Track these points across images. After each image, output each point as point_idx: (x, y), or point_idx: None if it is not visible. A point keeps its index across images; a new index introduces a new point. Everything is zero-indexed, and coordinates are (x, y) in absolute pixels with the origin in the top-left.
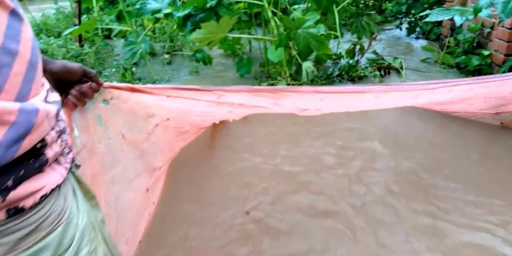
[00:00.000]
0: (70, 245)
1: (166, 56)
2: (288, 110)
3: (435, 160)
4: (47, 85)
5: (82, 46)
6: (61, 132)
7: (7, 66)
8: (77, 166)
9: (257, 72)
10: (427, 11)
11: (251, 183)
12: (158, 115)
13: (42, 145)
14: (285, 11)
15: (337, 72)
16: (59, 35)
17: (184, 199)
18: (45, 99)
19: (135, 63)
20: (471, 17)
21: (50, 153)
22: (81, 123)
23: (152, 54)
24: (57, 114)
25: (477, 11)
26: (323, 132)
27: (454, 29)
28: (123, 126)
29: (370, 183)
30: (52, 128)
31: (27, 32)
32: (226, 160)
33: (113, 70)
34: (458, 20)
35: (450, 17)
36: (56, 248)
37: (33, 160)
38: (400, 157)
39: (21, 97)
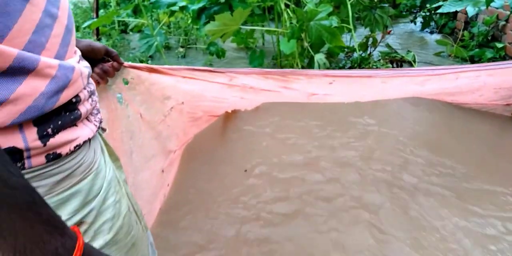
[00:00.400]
0: (99, 193)
1: (181, 49)
2: (297, 94)
3: (443, 147)
4: (78, 52)
5: (99, 39)
6: (91, 93)
7: (49, 27)
8: (103, 130)
9: (269, 64)
10: (441, 2)
11: (263, 170)
12: (173, 97)
13: (76, 100)
14: (298, 4)
15: (349, 65)
16: (77, 28)
17: (197, 183)
18: (78, 63)
19: (150, 56)
20: (483, 7)
21: (83, 109)
22: (103, 100)
23: (167, 47)
24: (88, 76)
25: (489, 1)
26: (335, 122)
27: (469, 22)
28: (141, 106)
29: (375, 163)
30: (84, 88)
31: (65, 1)
32: (239, 148)
33: (130, 62)
34: (470, 11)
35: (463, 7)
36: (87, 194)
37: (69, 113)
38: (410, 144)
39: (59, 57)
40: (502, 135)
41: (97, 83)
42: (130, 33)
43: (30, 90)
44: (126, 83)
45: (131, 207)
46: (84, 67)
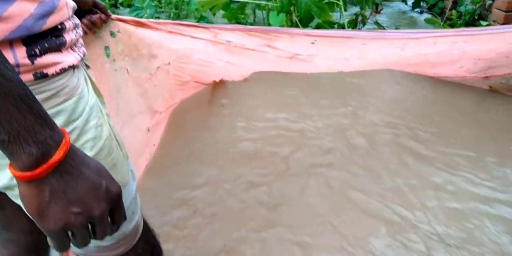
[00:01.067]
0: (81, 114)
1: None
2: (280, 54)
3: (423, 119)
4: None
5: None
6: (75, 25)
7: None
8: (87, 66)
9: None
10: None
11: (249, 138)
12: (160, 56)
13: (62, 27)
14: None
15: None
16: None
17: (183, 145)
18: None
19: None
20: None
21: (67, 37)
22: (90, 53)
23: None
24: (73, 10)
25: None
26: (320, 93)
27: (457, 2)
28: (128, 62)
29: (355, 134)
30: (69, 19)
31: None
32: (226, 116)
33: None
34: None
35: None
36: (70, 114)
37: (55, 38)
38: (391, 115)
39: None
40: (478, 108)
41: (85, 33)
42: (120, 7)
43: (20, 10)
44: (113, 36)
45: (112, 135)
46: (70, 0)
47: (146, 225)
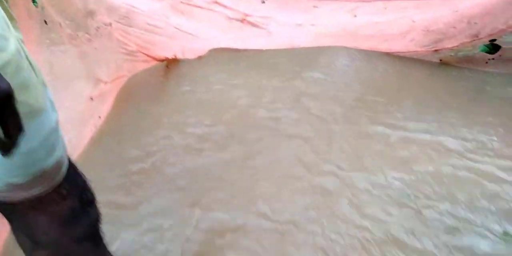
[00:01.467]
0: None
1: None
2: (230, 15)
3: (377, 91)
4: None
5: None
6: None
7: None
8: None
9: None
10: None
11: (202, 116)
12: (98, 14)
13: None
14: None
15: None
16: None
17: (130, 119)
18: None
19: None
20: None
21: None
22: None
23: None
24: None
25: None
26: (275, 71)
27: None
28: (60, 14)
29: (309, 102)
30: None
31: None
32: (176, 93)
33: None
34: None
35: None
36: None
37: None
38: (346, 92)
39: None
40: (430, 79)
41: None
42: None
43: None
44: None
45: (24, 54)
46: None
47: (74, 167)
